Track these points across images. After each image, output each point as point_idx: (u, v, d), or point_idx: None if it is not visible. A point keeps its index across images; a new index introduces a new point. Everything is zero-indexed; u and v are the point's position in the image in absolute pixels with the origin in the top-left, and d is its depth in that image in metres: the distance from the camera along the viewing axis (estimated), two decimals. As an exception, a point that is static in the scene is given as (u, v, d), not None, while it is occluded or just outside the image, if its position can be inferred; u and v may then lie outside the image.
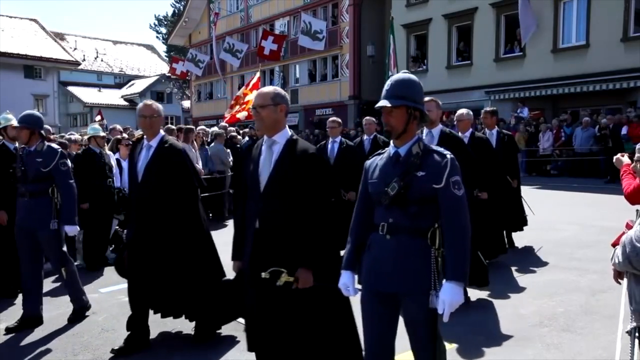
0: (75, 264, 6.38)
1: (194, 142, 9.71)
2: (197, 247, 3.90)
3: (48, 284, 5.83)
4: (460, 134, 5.59)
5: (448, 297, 2.17)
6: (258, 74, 12.67)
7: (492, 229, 5.87)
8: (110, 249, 6.86)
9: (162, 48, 54.15)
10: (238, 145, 10.87)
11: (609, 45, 15.78)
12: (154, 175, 3.74)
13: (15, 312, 4.75)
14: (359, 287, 2.48)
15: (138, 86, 46.28)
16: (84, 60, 43.77)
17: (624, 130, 13.71)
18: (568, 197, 11.46)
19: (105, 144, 7.32)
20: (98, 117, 14.82)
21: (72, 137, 8.61)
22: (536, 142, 15.99)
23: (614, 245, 2.47)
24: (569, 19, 17.37)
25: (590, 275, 5.43)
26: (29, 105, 31.53)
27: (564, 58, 17.16)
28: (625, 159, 3.18)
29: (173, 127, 10.05)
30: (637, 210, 2.65)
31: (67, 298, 5.28)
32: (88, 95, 44.31)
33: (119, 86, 48.74)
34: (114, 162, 7.20)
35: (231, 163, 10.21)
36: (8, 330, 4.32)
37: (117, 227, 4.01)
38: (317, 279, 2.68)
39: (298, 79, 28.51)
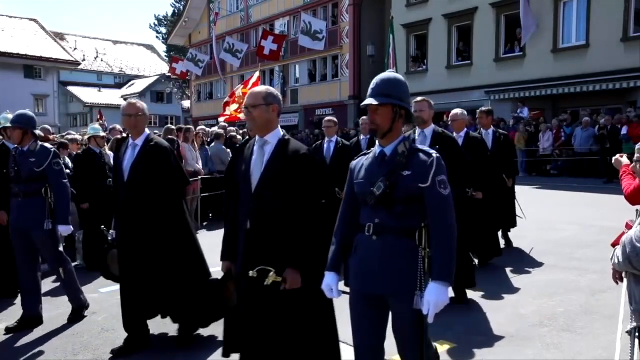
0: (75, 264, 6.41)
1: (195, 142, 9.71)
2: (182, 248, 3.86)
3: (48, 284, 5.84)
4: (455, 134, 5.60)
5: (433, 297, 2.15)
6: (258, 74, 12.66)
7: (486, 230, 5.88)
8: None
9: (162, 48, 54.23)
10: (238, 145, 10.87)
11: (609, 45, 15.78)
12: (140, 174, 3.71)
13: (15, 312, 4.75)
14: (345, 289, 2.46)
15: (138, 86, 46.30)
16: (84, 60, 43.78)
17: (624, 130, 13.71)
18: (568, 197, 11.46)
19: (106, 144, 7.32)
20: (100, 121, 14.82)
21: (69, 136, 8.61)
22: (536, 142, 15.98)
23: (614, 245, 2.47)
24: (569, 19, 17.37)
25: (590, 275, 5.43)
26: (29, 105, 31.56)
27: (564, 58, 17.16)
28: (625, 159, 3.18)
29: (173, 127, 10.05)
30: (637, 210, 2.65)
31: (67, 298, 5.29)
32: (88, 95, 44.34)
33: (119, 86, 48.76)
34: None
35: (231, 163, 10.20)
36: (8, 330, 4.32)
37: (103, 227, 3.99)
38: (305, 281, 2.66)
39: (298, 79, 28.51)
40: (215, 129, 11.75)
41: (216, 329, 4.12)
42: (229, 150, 10.22)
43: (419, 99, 4.71)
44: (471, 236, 5.34)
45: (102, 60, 49.45)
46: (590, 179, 13.53)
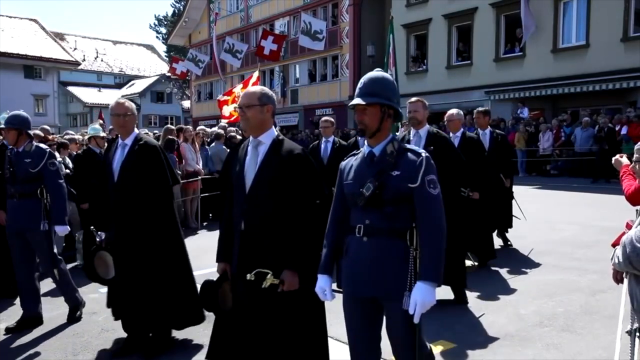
0: (75, 263, 6.41)
1: (194, 142, 9.71)
2: (169, 249, 3.82)
3: (48, 284, 5.82)
4: (451, 134, 5.60)
5: (420, 297, 2.13)
6: (257, 73, 12.64)
7: (482, 232, 5.86)
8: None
9: (162, 48, 54.26)
10: (232, 146, 10.84)
11: (609, 45, 15.78)
12: (130, 174, 3.68)
13: (15, 312, 4.75)
14: (337, 290, 2.44)
15: (138, 86, 46.32)
16: (84, 60, 43.79)
17: (623, 130, 13.72)
18: (568, 197, 11.46)
19: (106, 144, 7.32)
20: (100, 121, 14.80)
21: (67, 136, 8.60)
22: (536, 142, 15.98)
23: (614, 245, 2.47)
24: (569, 19, 17.37)
25: (590, 275, 5.43)
26: (29, 105, 31.61)
27: (564, 58, 17.16)
28: (625, 160, 3.17)
29: (172, 127, 10.05)
30: (637, 210, 2.65)
31: (67, 298, 5.29)
32: (88, 95, 44.36)
33: (119, 86, 48.76)
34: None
35: (231, 163, 10.20)
36: (8, 330, 4.32)
37: (92, 228, 3.98)
38: (302, 282, 2.65)
39: (298, 79, 28.51)
40: (215, 129, 11.74)
41: (191, 333, 4.13)
42: (229, 150, 10.22)
43: (413, 99, 4.72)
44: (468, 237, 5.34)
45: (102, 60, 49.46)
46: (590, 179, 13.53)
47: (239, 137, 11.31)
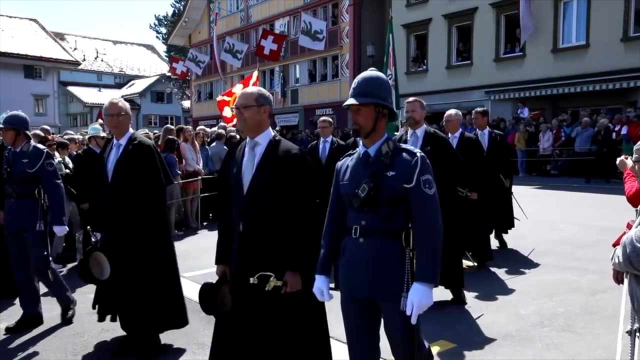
0: (76, 263, 6.41)
1: (195, 142, 9.71)
2: (158, 251, 3.79)
3: (48, 284, 5.83)
4: (449, 134, 5.59)
5: (417, 298, 2.12)
6: (256, 73, 12.63)
7: (480, 232, 5.85)
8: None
9: (162, 48, 54.27)
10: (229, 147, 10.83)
11: (609, 45, 15.78)
12: (123, 174, 3.67)
13: (15, 312, 4.74)
14: (336, 289, 2.44)
15: (138, 86, 46.32)
16: (84, 60, 43.79)
17: (624, 130, 13.73)
18: (568, 197, 11.46)
19: (106, 144, 7.31)
20: (100, 121, 14.78)
21: (67, 136, 8.59)
22: (536, 142, 15.99)
23: (615, 245, 2.47)
24: (569, 19, 17.38)
25: (590, 275, 5.43)
26: (29, 105, 31.61)
27: (564, 58, 17.16)
28: (629, 161, 3.16)
29: (172, 127, 10.05)
30: (637, 210, 2.65)
31: (67, 298, 5.29)
32: (88, 95, 44.36)
33: (119, 86, 48.76)
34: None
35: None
36: (8, 330, 4.31)
37: (88, 228, 3.97)
38: (305, 282, 2.64)
39: (298, 79, 28.51)
40: (215, 128, 11.73)
41: (192, 333, 4.13)
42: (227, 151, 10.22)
43: (410, 99, 4.72)
44: (466, 237, 5.33)
45: (102, 60, 49.46)
46: (590, 179, 13.52)
47: (239, 137, 11.32)
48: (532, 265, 6.03)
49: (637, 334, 2.38)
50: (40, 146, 4.50)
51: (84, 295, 5.18)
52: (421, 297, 2.12)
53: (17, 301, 4.82)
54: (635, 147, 2.60)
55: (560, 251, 6.54)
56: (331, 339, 2.98)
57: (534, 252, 6.56)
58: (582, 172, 14.18)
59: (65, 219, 4.49)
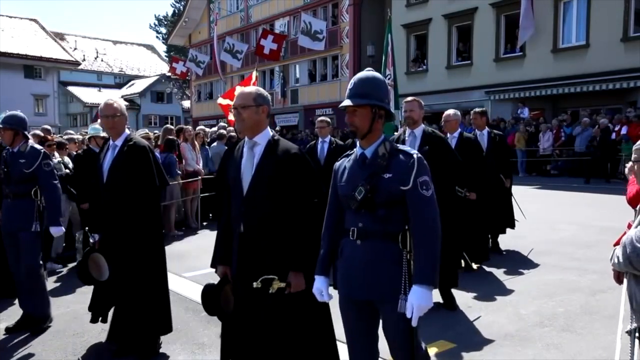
0: (76, 263, 6.41)
1: (195, 142, 9.71)
2: (150, 257, 3.75)
3: (49, 284, 5.82)
4: (448, 134, 5.58)
5: (416, 301, 2.10)
6: (255, 73, 12.62)
7: (477, 233, 5.83)
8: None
9: (162, 48, 54.28)
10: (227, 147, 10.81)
11: (609, 45, 15.79)
12: (118, 175, 3.64)
13: (15, 312, 4.74)
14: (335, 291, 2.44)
15: (138, 86, 46.32)
16: (84, 60, 43.79)
17: (623, 130, 13.74)
18: (568, 197, 11.46)
19: (106, 144, 7.30)
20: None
21: (66, 136, 8.58)
22: (536, 142, 15.99)
23: (616, 245, 2.46)
24: (569, 19, 17.38)
25: (590, 275, 5.43)
26: (29, 105, 31.61)
27: (564, 58, 17.16)
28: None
29: (172, 127, 10.04)
30: (637, 210, 2.65)
31: (67, 298, 5.30)
32: (88, 95, 44.35)
33: (119, 86, 48.77)
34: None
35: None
36: (8, 330, 4.31)
37: (86, 229, 3.93)
38: (308, 282, 2.63)
39: (298, 79, 28.52)
40: (215, 128, 11.73)
41: (192, 333, 4.12)
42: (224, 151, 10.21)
43: (409, 98, 4.71)
44: (464, 239, 5.31)
45: (102, 60, 49.47)
46: (590, 179, 13.53)
47: (237, 137, 11.30)
48: (532, 265, 6.03)
49: (637, 333, 2.38)
50: (38, 146, 4.47)
51: (84, 295, 5.18)
52: (421, 300, 2.11)
53: (17, 301, 4.82)
54: (634, 147, 2.60)
55: (560, 251, 6.54)
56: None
57: (534, 252, 6.55)
58: (582, 172, 14.19)
59: (65, 219, 4.46)
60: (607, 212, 8.65)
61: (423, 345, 2.46)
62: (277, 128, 22.74)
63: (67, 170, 6.97)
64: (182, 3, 42.28)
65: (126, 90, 46.38)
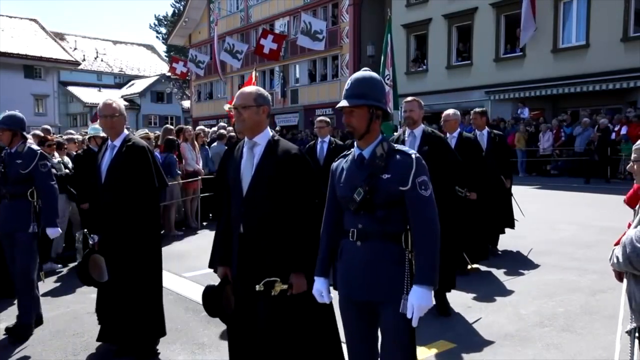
0: (76, 263, 6.41)
1: (195, 142, 9.71)
2: (147, 258, 3.73)
3: (49, 284, 5.84)
4: (448, 134, 5.56)
5: (417, 301, 2.10)
6: (255, 74, 12.61)
7: (476, 232, 5.82)
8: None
9: (162, 48, 54.27)
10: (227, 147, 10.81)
11: (609, 45, 15.79)
12: (116, 175, 3.62)
13: (15, 312, 4.72)
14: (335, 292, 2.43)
15: (138, 86, 46.32)
16: (84, 60, 43.80)
17: (623, 130, 13.74)
18: (568, 197, 11.46)
19: (105, 144, 7.30)
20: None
21: (66, 136, 8.58)
22: (536, 142, 15.99)
23: (617, 245, 2.46)
24: (569, 19, 17.38)
25: (590, 275, 5.43)
26: (29, 105, 31.64)
27: (564, 58, 17.16)
28: None
29: (172, 127, 10.04)
30: (636, 210, 2.65)
31: (67, 298, 5.30)
32: (88, 95, 44.35)
33: (119, 86, 48.78)
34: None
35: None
36: (8, 330, 4.30)
37: (85, 230, 3.88)
38: (310, 283, 2.60)
39: (298, 79, 28.52)
40: (215, 128, 11.73)
41: (192, 333, 4.12)
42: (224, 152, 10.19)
43: (409, 98, 4.68)
44: (464, 239, 5.30)
45: (102, 60, 49.47)
46: (590, 179, 13.53)
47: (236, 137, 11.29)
48: (532, 265, 6.03)
49: (637, 333, 2.38)
50: (35, 147, 4.43)
51: (84, 295, 5.20)
52: (421, 300, 2.10)
53: (17, 301, 4.82)
54: (634, 147, 2.59)
55: (560, 251, 6.54)
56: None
57: (534, 252, 6.55)
58: (582, 172, 14.20)
59: (65, 219, 4.43)
60: (607, 212, 8.65)
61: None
62: (277, 128, 22.73)
63: (67, 170, 6.97)
64: (182, 3, 42.28)
65: (126, 90, 46.38)
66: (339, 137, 12.73)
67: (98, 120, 3.94)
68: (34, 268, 4.32)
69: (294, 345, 2.73)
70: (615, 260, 2.32)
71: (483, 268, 5.98)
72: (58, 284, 5.92)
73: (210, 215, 10.14)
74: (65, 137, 8.41)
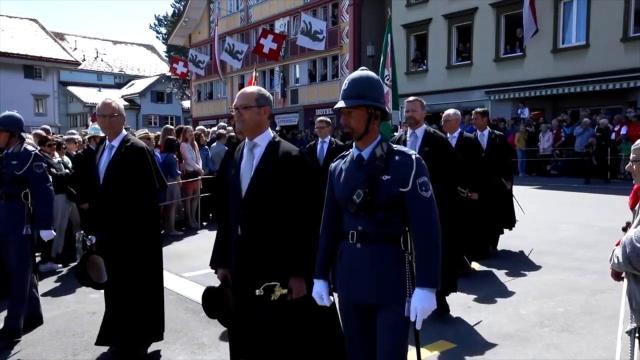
0: (76, 263, 6.41)
1: (194, 142, 9.70)
2: (148, 260, 3.71)
3: (49, 284, 5.85)
4: (448, 134, 5.54)
5: (419, 304, 2.08)
6: (255, 73, 12.61)
7: (478, 232, 5.81)
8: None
9: (162, 48, 54.27)
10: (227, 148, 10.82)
11: (609, 46, 15.79)
12: (115, 176, 3.59)
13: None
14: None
15: (138, 86, 46.33)
16: (84, 60, 43.80)
17: (623, 130, 13.74)
18: (568, 197, 11.46)
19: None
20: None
21: (67, 136, 8.58)
22: (536, 142, 15.99)
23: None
24: (569, 19, 17.38)
25: (590, 275, 5.43)
26: (29, 105, 31.65)
27: (564, 58, 17.16)
28: None
29: (172, 127, 10.04)
30: (635, 210, 2.65)
31: (67, 298, 5.30)
32: (88, 95, 44.36)
33: (119, 86, 48.78)
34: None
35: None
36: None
37: (82, 232, 3.83)
38: (310, 287, 2.56)
39: (298, 79, 28.51)
40: (215, 128, 11.73)
41: (192, 333, 4.12)
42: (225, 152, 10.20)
43: (411, 98, 4.63)
44: (465, 239, 5.28)
45: (102, 60, 49.47)
46: (590, 179, 13.53)
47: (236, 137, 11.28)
48: (532, 265, 6.03)
49: (636, 333, 2.38)
50: (30, 148, 4.36)
51: (84, 295, 5.20)
52: (424, 303, 2.08)
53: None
54: (633, 147, 2.59)
55: (560, 251, 6.54)
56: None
57: (534, 252, 6.55)
58: (582, 172, 14.21)
59: (64, 219, 4.38)
60: (607, 212, 8.65)
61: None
62: (277, 128, 22.74)
63: (67, 170, 6.97)
64: (182, 3, 42.27)
65: (126, 90, 46.39)
66: (339, 138, 12.72)
67: (93, 124, 3.92)
68: (29, 270, 4.26)
69: (297, 348, 2.71)
70: (615, 261, 2.33)
71: (483, 268, 5.98)
72: (58, 284, 5.92)
73: (210, 215, 10.13)
74: (66, 137, 8.40)
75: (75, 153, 7.56)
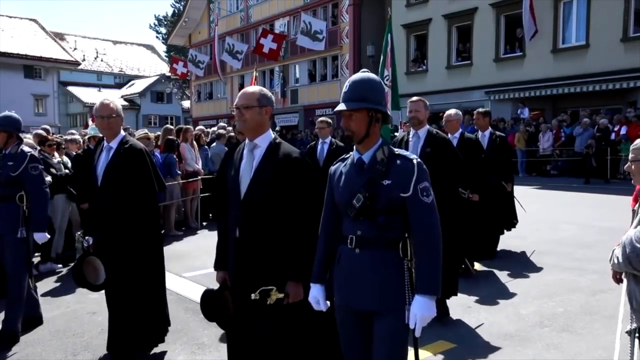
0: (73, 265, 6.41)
1: (194, 142, 9.71)
2: (148, 261, 3.70)
3: (49, 284, 5.85)
4: (449, 135, 5.50)
5: (419, 311, 2.05)
6: (255, 73, 12.63)
7: (480, 233, 5.80)
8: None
9: (162, 48, 54.28)
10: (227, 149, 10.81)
11: (609, 46, 15.79)
12: (113, 177, 3.56)
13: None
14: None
15: (138, 86, 46.33)
16: (84, 60, 43.81)
17: (623, 130, 13.74)
18: (568, 197, 11.46)
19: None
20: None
21: (67, 136, 8.58)
22: (536, 142, 15.99)
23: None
24: (569, 19, 17.38)
25: (590, 275, 5.43)
26: (29, 105, 31.68)
27: (564, 58, 17.17)
28: None
29: (172, 127, 10.04)
30: (634, 210, 2.65)
31: (67, 298, 5.30)
32: (88, 95, 44.35)
33: (119, 86, 48.79)
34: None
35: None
36: (8, 330, 4.29)
37: (79, 233, 3.79)
38: (307, 291, 2.53)
39: (298, 79, 28.52)
40: (215, 129, 11.73)
41: (192, 333, 4.12)
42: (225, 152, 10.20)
43: (414, 98, 4.57)
44: (467, 242, 5.27)
45: (102, 60, 49.47)
46: (590, 179, 13.54)
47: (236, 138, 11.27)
48: (532, 265, 6.03)
49: (637, 333, 2.38)
50: (27, 149, 4.31)
51: (84, 295, 5.19)
52: (424, 310, 2.05)
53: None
54: (632, 147, 2.59)
55: (560, 251, 6.54)
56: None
57: (534, 252, 6.55)
58: (582, 172, 14.21)
59: (64, 219, 4.33)
60: (607, 212, 8.65)
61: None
62: (277, 128, 22.73)
63: (67, 170, 6.97)
64: (182, 3, 42.27)
65: (126, 90, 46.39)
66: (339, 138, 12.72)
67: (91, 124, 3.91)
68: (25, 272, 4.23)
69: (296, 352, 2.69)
70: (615, 261, 2.33)
71: (484, 269, 5.98)
72: (58, 284, 5.92)
73: (210, 215, 10.14)
74: (68, 137, 8.41)
75: (75, 153, 7.56)
